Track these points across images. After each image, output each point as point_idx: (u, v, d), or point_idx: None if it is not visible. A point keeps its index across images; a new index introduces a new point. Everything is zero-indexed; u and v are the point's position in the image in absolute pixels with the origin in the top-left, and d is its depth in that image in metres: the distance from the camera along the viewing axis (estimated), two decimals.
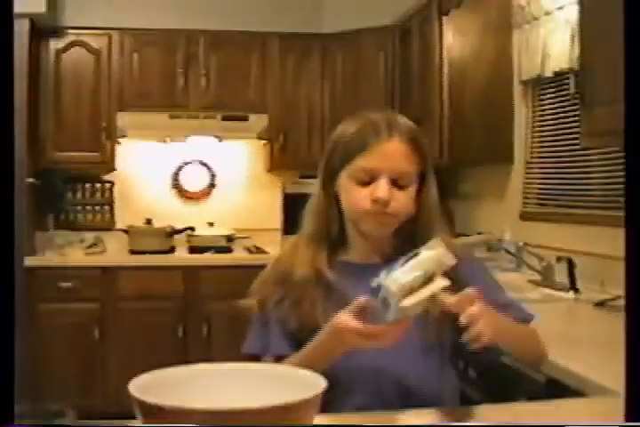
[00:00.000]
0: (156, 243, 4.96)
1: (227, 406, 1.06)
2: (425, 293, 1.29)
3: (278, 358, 1.58)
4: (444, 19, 4.07)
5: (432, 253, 1.32)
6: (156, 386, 1.12)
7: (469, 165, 4.43)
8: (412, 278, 1.29)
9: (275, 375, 1.24)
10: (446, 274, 1.34)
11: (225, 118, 4.99)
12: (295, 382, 1.17)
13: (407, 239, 1.60)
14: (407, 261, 1.32)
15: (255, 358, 1.63)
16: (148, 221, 5.08)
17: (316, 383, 1.13)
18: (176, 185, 5.43)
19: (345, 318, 1.38)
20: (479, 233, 4.23)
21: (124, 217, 5.27)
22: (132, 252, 4.93)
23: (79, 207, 5.29)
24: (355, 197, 1.58)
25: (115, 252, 5.00)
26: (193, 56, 5.00)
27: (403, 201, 1.56)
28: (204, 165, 5.45)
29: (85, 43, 4.92)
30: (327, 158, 1.65)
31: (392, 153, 1.55)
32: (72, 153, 4.93)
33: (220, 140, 5.30)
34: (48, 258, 4.77)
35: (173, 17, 5.01)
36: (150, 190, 5.39)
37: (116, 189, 5.33)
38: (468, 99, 3.97)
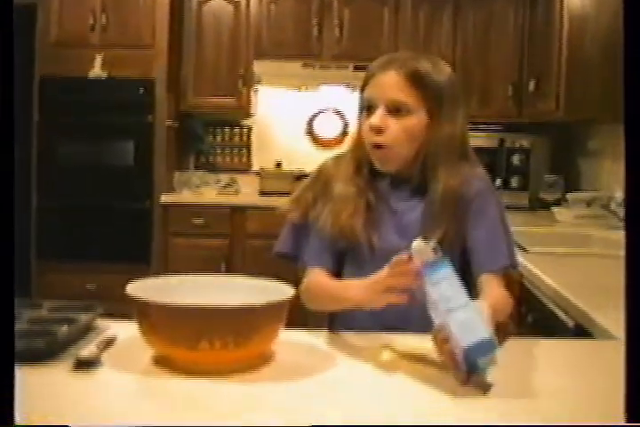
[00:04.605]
0: (285, 185, 5.20)
1: (200, 304, 1.27)
2: None
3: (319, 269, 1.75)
4: None
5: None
6: (151, 289, 1.34)
7: (587, 123, 4.39)
8: None
9: (254, 286, 1.45)
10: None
11: (357, 68, 5.08)
12: (270, 292, 1.37)
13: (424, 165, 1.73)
14: None
15: (286, 258, 1.81)
16: (278, 164, 5.35)
17: (284, 292, 1.33)
18: (310, 131, 5.63)
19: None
20: (594, 190, 4.23)
21: (260, 160, 5.56)
22: (262, 193, 5.22)
23: (218, 150, 5.60)
24: (362, 129, 1.74)
25: (247, 192, 5.32)
26: (327, 7, 5.14)
27: (395, 129, 1.68)
28: (338, 113, 5.61)
29: None
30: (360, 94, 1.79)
31: (387, 83, 1.69)
32: (210, 98, 5.23)
33: (353, 90, 5.43)
34: (183, 196, 5.14)
35: None
36: (286, 136, 5.62)
37: (253, 134, 5.62)
38: (588, 54, 3.92)
